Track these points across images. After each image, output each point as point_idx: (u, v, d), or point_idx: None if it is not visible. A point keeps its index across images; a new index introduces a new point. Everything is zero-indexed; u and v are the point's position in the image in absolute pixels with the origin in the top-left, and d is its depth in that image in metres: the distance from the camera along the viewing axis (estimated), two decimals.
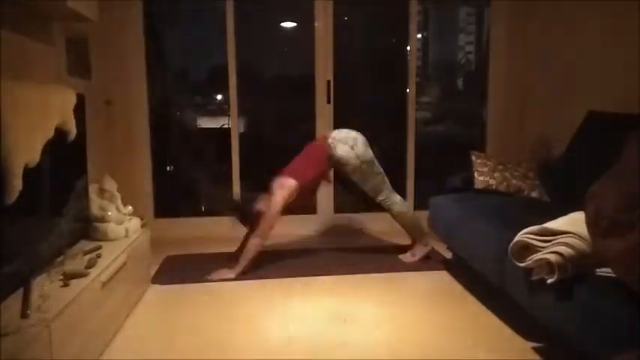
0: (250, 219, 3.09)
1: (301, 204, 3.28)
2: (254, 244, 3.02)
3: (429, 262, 3.30)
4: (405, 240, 3.80)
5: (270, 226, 3.03)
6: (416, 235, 3.36)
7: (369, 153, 3.22)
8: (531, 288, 1.98)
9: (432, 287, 2.95)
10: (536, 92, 3.93)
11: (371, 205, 3.43)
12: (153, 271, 3.07)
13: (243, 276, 3.01)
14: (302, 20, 4.11)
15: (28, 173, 1.75)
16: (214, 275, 2.99)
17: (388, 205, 3.28)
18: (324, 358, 2.11)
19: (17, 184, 1.68)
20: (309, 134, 4.01)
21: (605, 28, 3.11)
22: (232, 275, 2.98)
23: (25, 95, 1.85)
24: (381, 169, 3.27)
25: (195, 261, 3.28)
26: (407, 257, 3.32)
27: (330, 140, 3.19)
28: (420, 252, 3.32)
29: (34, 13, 2.42)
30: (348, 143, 3.16)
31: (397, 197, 3.31)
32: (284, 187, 3.05)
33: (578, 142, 3.01)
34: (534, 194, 3.04)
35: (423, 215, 3.45)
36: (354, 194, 3.43)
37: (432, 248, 3.40)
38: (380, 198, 3.26)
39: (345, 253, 3.50)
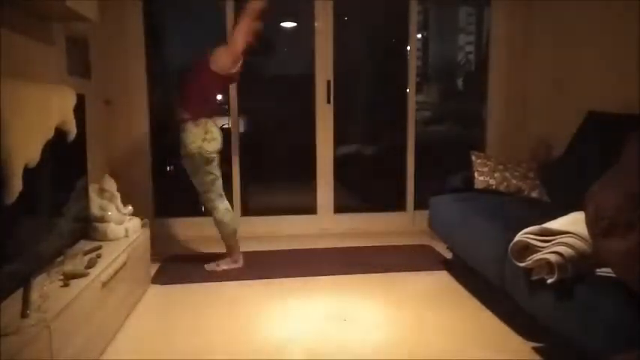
0: None
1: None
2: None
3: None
4: (407, 240, 3.80)
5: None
6: (229, 248, 3.22)
7: (213, 155, 3.05)
8: (531, 288, 1.98)
9: (432, 287, 2.95)
10: (536, 92, 3.93)
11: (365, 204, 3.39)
12: (153, 271, 3.07)
13: (238, 276, 3.05)
14: (302, 20, 4.11)
15: (28, 173, 1.75)
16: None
17: (211, 208, 3.14)
18: (324, 358, 2.11)
19: (17, 184, 1.68)
20: (310, 134, 4.02)
21: (605, 27, 3.11)
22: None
23: (25, 95, 1.85)
24: (216, 173, 3.10)
25: (195, 261, 3.28)
26: (211, 266, 3.18)
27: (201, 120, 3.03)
28: (225, 265, 3.18)
29: (34, 13, 2.41)
30: (206, 135, 3.01)
31: (224, 205, 3.15)
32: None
33: (578, 142, 3.01)
34: (534, 194, 3.04)
35: (423, 215, 3.45)
36: (354, 194, 3.41)
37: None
38: (206, 198, 3.13)
39: (345, 253, 3.51)
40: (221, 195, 3.15)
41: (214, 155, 3.07)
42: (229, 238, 3.20)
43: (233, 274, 3.08)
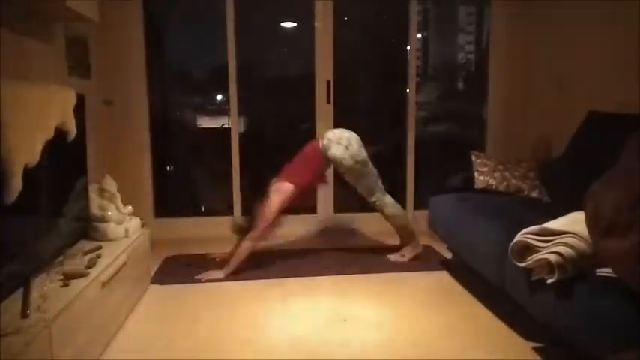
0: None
1: (299, 205, 3.30)
2: (246, 247, 3.03)
3: (418, 262, 3.30)
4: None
5: (265, 230, 3.04)
6: (406, 236, 3.37)
7: (363, 153, 3.21)
8: (531, 288, 1.98)
9: (432, 287, 2.95)
10: (536, 92, 3.93)
11: (365, 205, 3.42)
12: (153, 271, 3.07)
13: (237, 276, 3.02)
14: (302, 20, 4.11)
15: (28, 173, 1.75)
16: (204, 275, 3.01)
17: (380, 206, 3.28)
18: (324, 358, 2.11)
19: (17, 184, 1.68)
20: (309, 134, 4.02)
21: (605, 28, 3.11)
22: (221, 275, 3.00)
23: (26, 95, 1.85)
24: (375, 170, 3.26)
25: (195, 261, 3.28)
26: (396, 257, 3.33)
27: (324, 141, 3.19)
28: (409, 253, 3.33)
29: (34, 13, 2.41)
30: (342, 143, 3.15)
31: (389, 199, 3.30)
32: (280, 191, 3.07)
33: (578, 142, 3.01)
34: (534, 194, 3.04)
35: (423, 215, 3.45)
36: (354, 194, 3.41)
37: (424, 248, 3.42)
38: (372, 199, 3.26)
39: (345, 253, 3.51)
40: (383, 191, 3.28)
41: (365, 155, 3.19)
42: (405, 227, 3.32)
43: (233, 274, 3.08)
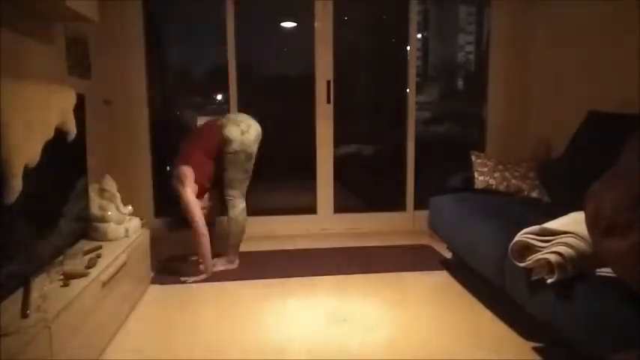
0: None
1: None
2: (201, 242, 2.97)
3: (417, 262, 3.29)
4: (407, 240, 3.81)
5: (196, 215, 2.96)
6: (230, 248, 3.21)
7: (254, 148, 3.11)
8: (531, 288, 1.98)
9: (432, 287, 2.95)
10: (536, 92, 3.93)
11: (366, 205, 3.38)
12: (153, 271, 3.07)
13: (237, 276, 3.03)
14: (302, 20, 4.11)
15: (28, 173, 1.75)
16: (190, 279, 3.00)
17: (231, 204, 3.13)
18: (324, 358, 2.11)
19: (17, 184, 1.68)
20: (309, 134, 4.02)
21: (605, 27, 3.11)
22: (204, 276, 3.01)
23: (26, 95, 1.85)
24: (250, 173, 3.15)
25: (195, 261, 3.28)
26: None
27: (224, 119, 3.11)
28: (222, 265, 3.18)
29: (34, 13, 2.42)
30: (240, 127, 3.06)
31: (242, 204, 3.15)
32: (180, 178, 3.00)
33: (578, 142, 3.01)
34: (534, 194, 3.04)
35: (423, 215, 3.45)
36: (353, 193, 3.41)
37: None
38: (230, 193, 3.11)
39: (345, 253, 3.51)
40: (243, 195, 3.16)
41: (254, 150, 3.11)
42: (236, 237, 3.19)
43: (233, 274, 3.08)
